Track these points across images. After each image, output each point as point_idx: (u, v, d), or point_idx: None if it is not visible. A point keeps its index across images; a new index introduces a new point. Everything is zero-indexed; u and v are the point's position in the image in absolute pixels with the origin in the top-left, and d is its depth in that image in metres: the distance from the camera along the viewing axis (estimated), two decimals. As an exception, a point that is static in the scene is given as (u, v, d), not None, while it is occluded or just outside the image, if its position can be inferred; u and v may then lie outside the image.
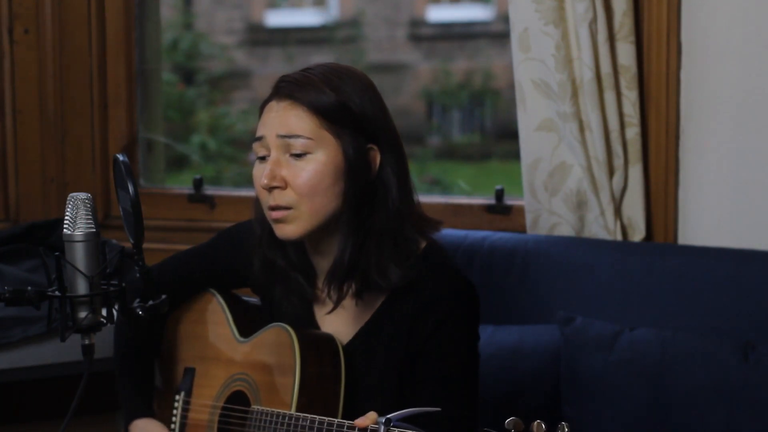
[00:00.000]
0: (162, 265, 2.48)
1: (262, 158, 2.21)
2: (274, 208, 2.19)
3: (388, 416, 1.96)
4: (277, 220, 2.20)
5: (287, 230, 2.20)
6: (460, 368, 2.20)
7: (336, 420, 2.09)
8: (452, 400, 2.16)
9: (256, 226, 2.30)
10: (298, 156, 2.17)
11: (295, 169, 2.17)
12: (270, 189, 2.18)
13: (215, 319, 2.42)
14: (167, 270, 2.46)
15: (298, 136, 2.17)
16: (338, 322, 2.28)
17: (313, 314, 2.31)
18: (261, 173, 2.20)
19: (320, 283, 2.30)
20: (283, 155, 2.18)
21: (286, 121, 2.18)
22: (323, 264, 2.27)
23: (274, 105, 2.21)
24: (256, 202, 2.29)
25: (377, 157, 2.21)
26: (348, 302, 2.26)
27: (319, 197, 2.17)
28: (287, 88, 2.20)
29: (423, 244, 2.26)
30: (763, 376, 2.58)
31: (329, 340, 2.24)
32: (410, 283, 2.21)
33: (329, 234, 2.23)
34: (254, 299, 2.46)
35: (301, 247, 2.29)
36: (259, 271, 2.31)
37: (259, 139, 2.21)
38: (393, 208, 2.21)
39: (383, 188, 2.21)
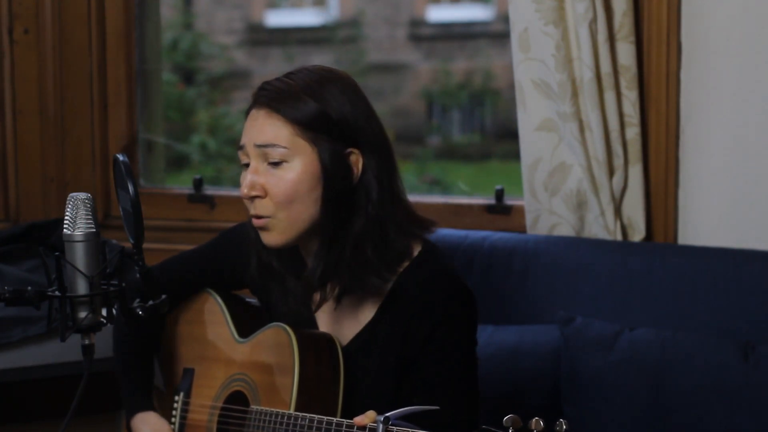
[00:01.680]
0: (163, 265, 2.48)
1: (246, 165, 2.22)
2: (255, 217, 2.21)
3: (387, 415, 1.96)
4: (260, 228, 2.21)
5: (270, 239, 2.22)
6: (457, 372, 2.20)
7: (335, 419, 2.09)
8: (449, 404, 2.15)
9: (251, 229, 2.30)
10: (276, 164, 2.18)
11: (273, 178, 2.18)
12: (251, 198, 2.19)
13: (214, 319, 2.42)
14: (168, 270, 2.46)
15: (274, 146, 2.17)
16: (335, 325, 2.28)
17: (311, 315, 2.31)
18: (243, 180, 2.21)
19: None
20: (261, 164, 2.19)
21: (263, 130, 2.18)
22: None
23: (254, 113, 2.22)
24: None
25: (359, 161, 2.20)
26: (346, 305, 2.26)
27: (296, 205, 2.18)
28: (266, 97, 2.20)
29: (418, 247, 2.25)
30: (763, 376, 2.58)
31: (328, 339, 2.24)
32: (406, 287, 2.21)
33: (315, 237, 2.23)
34: (253, 299, 2.46)
35: (294, 248, 2.29)
36: (256, 273, 2.32)
37: (241, 147, 2.22)
38: (372, 213, 2.20)
39: (363, 193, 2.20)
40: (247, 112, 2.25)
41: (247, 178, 2.19)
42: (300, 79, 2.21)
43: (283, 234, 2.20)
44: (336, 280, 2.21)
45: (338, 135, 2.18)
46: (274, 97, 2.19)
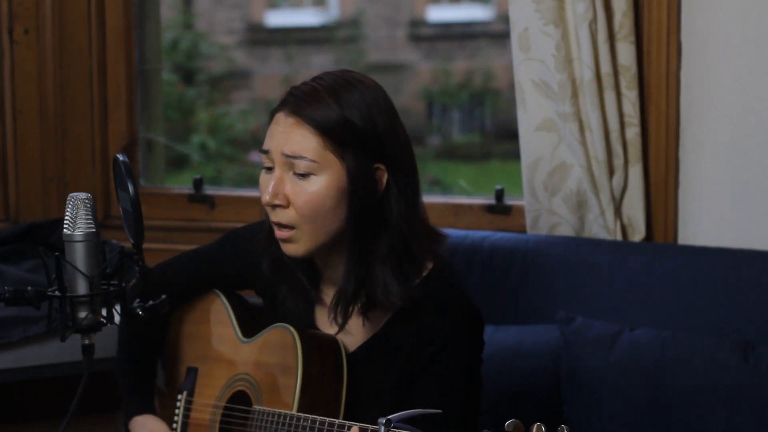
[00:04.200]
0: (167, 264, 2.47)
1: (269, 169, 2.20)
2: (277, 226, 2.19)
3: (389, 417, 1.96)
4: (283, 240, 2.20)
5: (291, 249, 2.20)
6: (460, 392, 2.20)
7: (337, 420, 2.10)
8: (448, 422, 2.14)
9: (266, 229, 2.29)
10: (302, 176, 2.15)
11: (297, 189, 2.16)
12: (273, 206, 2.18)
13: (218, 319, 2.42)
14: (172, 270, 2.46)
15: (302, 158, 2.14)
16: (340, 336, 2.27)
17: (314, 317, 2.31)
18: (266, 186, 2.19)
19: (324, 286, 2.30)
20: (287, 173, 2.17)
21: (291, 139, 2.15)
22: (329, 272, 2.27)
23: (281, 118, 2.18)
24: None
25: (384, 177, 2.18)
26: (352, 318, 2.25)
27: (321, 219, 2.16)
28: (294, 103, 2.16)
29: (430, 265, 2.24)
30: (763, 376, 2.58)
31: (332, 341, 2.24)
32: (414, 305, 2.20)
33: (336, 248, 2.22)
34: (257, 300, 2.46)
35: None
36: (268, 268, 2.31)
37: (266, 152, 2.19)
38: (397, 228, 2.19)
39: (388, 209, 2.19)
40: (272, 114, 2.22)
41: (271, 185, 2.17)
42: (328, 84, 2.18)
43: (305, 245, 2.19)
44: (363, 295, 2.20)
45: (366, 150, 2.16)
46: (303, 104, 2.15)
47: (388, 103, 2.21)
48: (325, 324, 2.30)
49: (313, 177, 2.15)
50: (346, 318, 2.22)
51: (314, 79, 2.21)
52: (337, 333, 2.24)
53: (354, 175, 2.15)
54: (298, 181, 2.16)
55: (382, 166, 2.18)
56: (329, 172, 2.15)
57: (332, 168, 2.15)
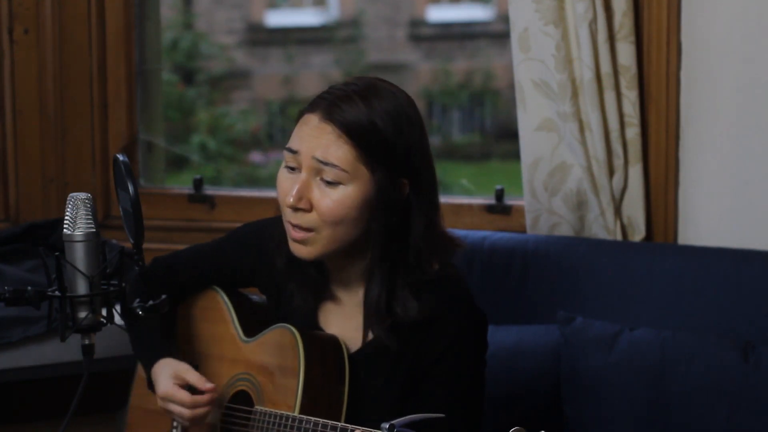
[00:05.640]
0: (174, 256, 2.46)
1: (291, 168, 2.18)
2: (295, 227, 2.18)
3: (393, 422, 1.95)
4: (298, 241, 2.19)
5: (303, 251, 2.19)
6: (464, 395, 2.20)
7: (339, 424, 2.09)
8: (452, 424, 2.14)
9: (278, 226, 2.29)
10: (329, 183, 2.14)
11: (323, 195, 2.15)
12: (295, 209, 2.17)
13: (220, 317, 2.42)
14: (177, 264, 2.45)
15: (333, 165, 2.13)
16: (344, 334, 2.27)
17: (318, 316, 2.31)
18: (287, 186, 2.17)
19: (332, 286, 2.30)
20: (314, 177, 2.15)
21: (324, 145, 2.14)
22: (339, 274, 2.27)
23: (313, 120, 2.16)
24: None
25: (405, 191, 2.19)
26: (355, 313, 2.26)
27: (342, 227, 2.16)
28: (327, 108, 2.15)
29: (435, 266, 2.23)
30: (763, 376, 2.58)
31: (333, 341, 2.24)
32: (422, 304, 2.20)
33: (349, 256, 2.22)
34: (259, 298, 2.46)
35: None
36: (281, 263, 2.29)
37: (293, 152, 2.17)
38: (415, 243, 2.19)
39: (407, 224, 2.19)
40: (302, 112, 2.19)
41: (296, 188, 2.15)
42: (357, 87, 2.17)
43: (318, 250, 2.18)
44: (384, 310, 2.20)
45: (395, 163, 2.16)
46: (335, 108, 2.14)
47: (417, 116, 2.21)
48: (329, 323, 2.30)
49: (341, 186, 2.14)
50: (380, 330, 2.21)
51: (346, 83, 2.20)
52: (362, 346, 2.24)
53: (382, 189, 2.15)
54: (324, 187, 2.15)
55: (406, 181, 2.18)
56: (358, 183, 2.14)
57: (361, 180, 2.14)
